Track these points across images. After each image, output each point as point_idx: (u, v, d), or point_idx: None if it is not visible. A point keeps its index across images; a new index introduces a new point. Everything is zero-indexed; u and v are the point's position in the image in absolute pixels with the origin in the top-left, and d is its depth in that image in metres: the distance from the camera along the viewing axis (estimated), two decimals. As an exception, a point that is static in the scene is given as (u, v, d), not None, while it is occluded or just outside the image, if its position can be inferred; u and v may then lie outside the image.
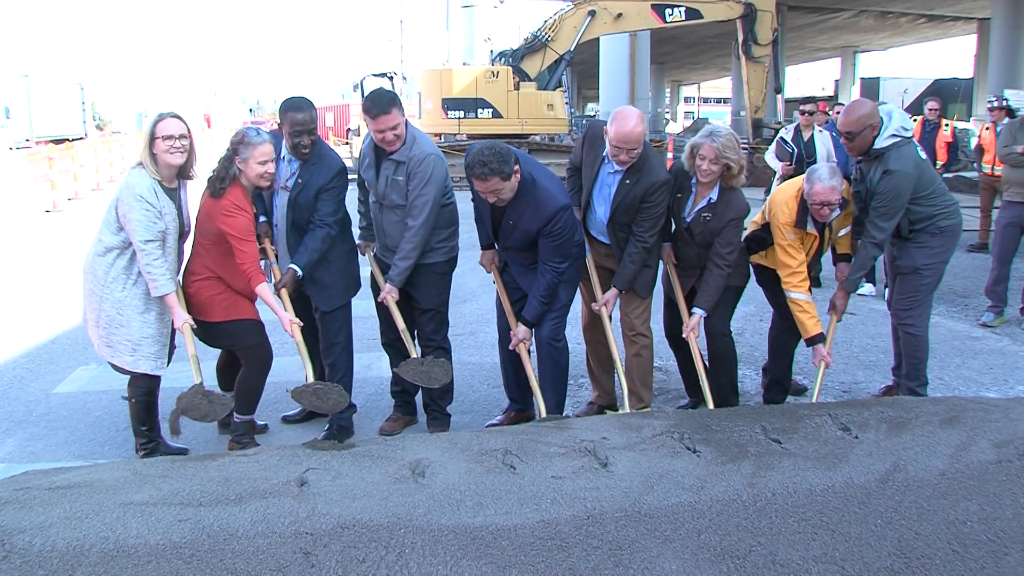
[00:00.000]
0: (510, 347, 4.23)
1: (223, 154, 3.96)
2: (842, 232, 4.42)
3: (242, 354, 4.15)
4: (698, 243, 4.27)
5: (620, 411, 4.26)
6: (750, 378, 5.17)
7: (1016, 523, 2.88)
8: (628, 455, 3.20)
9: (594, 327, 4.56)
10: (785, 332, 4.56)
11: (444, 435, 3.71)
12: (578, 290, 4.56)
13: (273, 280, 4.12)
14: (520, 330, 4.17)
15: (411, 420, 4.62)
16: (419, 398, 4.60)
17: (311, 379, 3.87)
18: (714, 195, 4.16)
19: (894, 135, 4.22)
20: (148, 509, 2.76)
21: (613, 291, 4.26)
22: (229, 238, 3.87)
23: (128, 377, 4.00)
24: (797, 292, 4.22)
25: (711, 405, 4.12)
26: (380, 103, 3.97)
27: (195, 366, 3.77)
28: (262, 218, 4.27)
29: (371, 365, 5.48)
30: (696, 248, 4.30)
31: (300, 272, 4.06)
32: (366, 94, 4.21)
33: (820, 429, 3.46)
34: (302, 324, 3.99)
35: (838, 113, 8.75)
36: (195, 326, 3.85)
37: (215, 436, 4.45)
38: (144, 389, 3.99)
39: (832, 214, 4.16)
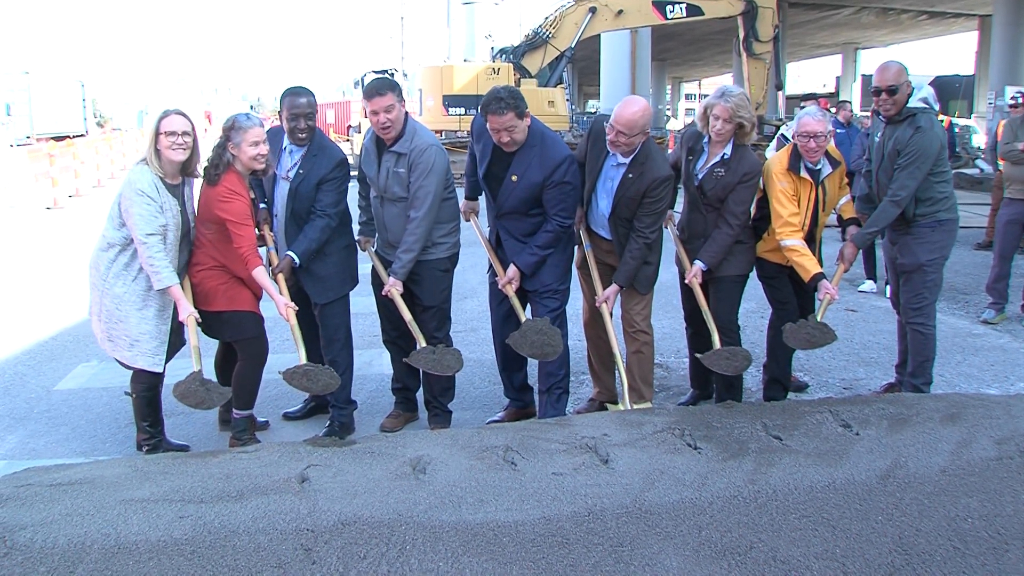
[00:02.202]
0: (499, 287, 4.28)
1: (216, 142, 4.00)
2: (843, 201, 4.54)
3: (239, 346, 4.17)
4: (709, 202, 4.28)
5: (620, 403, 4.27)
6: (751, 375, 5.16)
7: (1017, 520, 2.88)
8: (629, 452, 3.21)
9: (595, 323, 4.56)
10: (782, 328, 4.56)
11: (445, 432, 3.71)
12: (579, 286, 4.58)
13: (269, 266, 4.13)
14: (509, 270, 4.21)
15: (412, 417, 4.62)
16: (420, 395, 4.60)
17: (303, 361, 3.87)
18: (728, 151, 4.21)
19: (924, 101, 4.32)
20: (149, 506, 2.76)
21: (614, 287, 4.27)
22: (226, 223, 3.89)
23: (131, 373, 4.01)
24: (790, 239, 4.26)
25: (718, 345, 4.18)
26: (377, 85, 4.03)
27: (196, 355, 3.77)
28: (262, 205, 4.29)
29: (372, 362, 5.49)
30: (705, 213, 4.31)
31: (297, 260, 4.08)
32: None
33: (821, 426, 3.46)
34: (297, 308, 3.99)
35: (850, 111, 8.82)
36: (200, 319, 3.86)
37: (216, 433, 4.46)
38: (146, 385, 4.00)
39: (823, 166, 4.30)
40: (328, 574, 2.53)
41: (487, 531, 2.71)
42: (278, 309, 3.96)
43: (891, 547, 2.76)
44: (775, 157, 4.47)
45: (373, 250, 4.44)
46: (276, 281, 4.04)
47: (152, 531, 2.63)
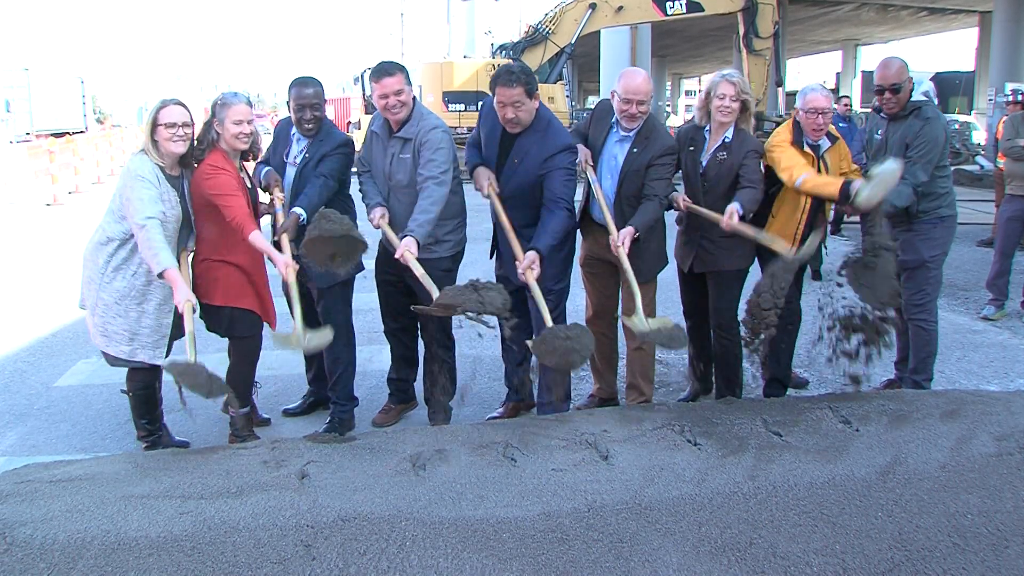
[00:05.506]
0: (519, 273, 3.89)
1: (206, 120, 3.98)
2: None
3: (232, 343, 4.16)
4: (712, 188, 4.25)
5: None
6: (751, 371, 5.16)
7: (1016, 516, 2.88)
8: (629, 448, 3.21)
9: (598, 321, 4.55)
10: (784, 328, 4.55)
11: (445, 428, 3.71)
12: (582, 284, 4.57)
13: (276, 225, 4.02)
14: (528, 255, 3.85)
15: (407, 407, 4.59)
16: (420, 389, 4.59)
17: (298, 324, 3.74)
18: (728, 135, 4.21)
19: (925, 95, 4.29)
20: (149, 502, 2.77)
21: (629, 229, 4.01)
22: (214, 199, 3.82)
23: (126, 371, 3.99)
24: (801, 175, 4.09)
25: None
26: (386, 66, 4.01)
27: (191, 344, 3.53)
28: (268, 168, 4.21)
29: (372, 358, 5.48)
30: (710, 199, 4.25)
31: (304, 215, 3.90)
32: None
33: (821, 422, 3.46)
34: (298, 267, 3.82)
35: (848, 106, 8.82)
36: (196, 305, 3.72)
37: (216, 429, 4.45)
38: (142, 383, 3.97)
39: (824, 141, 4.29)
40: (328, 570, 2.54)
41: (487, 527, 2.71)
42: (277, 268, 3.80)
43: (891, 543, 2.76)
44: (778, 130, 4.43)
45: (384, 221, 4.13)
46: (280, 241, 3.88)
47: (152, 527, 2.64)
